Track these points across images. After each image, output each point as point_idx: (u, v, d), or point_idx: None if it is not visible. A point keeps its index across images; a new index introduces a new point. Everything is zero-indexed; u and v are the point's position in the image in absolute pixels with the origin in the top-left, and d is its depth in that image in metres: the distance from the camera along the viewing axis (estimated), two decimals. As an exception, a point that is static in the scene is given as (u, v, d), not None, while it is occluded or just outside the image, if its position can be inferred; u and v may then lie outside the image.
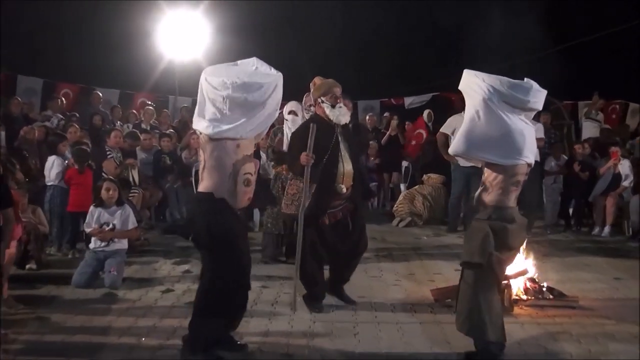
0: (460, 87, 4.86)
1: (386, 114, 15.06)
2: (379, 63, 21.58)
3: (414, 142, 13.61)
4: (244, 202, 4.71)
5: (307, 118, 7.94)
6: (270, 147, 7.76)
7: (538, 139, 10.33)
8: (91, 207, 7.20)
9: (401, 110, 16.74)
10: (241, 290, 4.76)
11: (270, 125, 4.93)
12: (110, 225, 7.07)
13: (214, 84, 4.47)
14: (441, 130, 10.48)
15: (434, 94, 17.02)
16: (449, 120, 10.35)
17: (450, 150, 4.93)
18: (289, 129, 7.64)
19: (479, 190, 4.82)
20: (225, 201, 4.55)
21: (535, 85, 4.67)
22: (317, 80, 6.00)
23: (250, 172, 4.65)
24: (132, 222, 7.21)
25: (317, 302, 5.93)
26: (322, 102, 5.88)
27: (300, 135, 5.87)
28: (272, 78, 4.61)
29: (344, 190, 5.82)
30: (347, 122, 5.96)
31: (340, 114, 5.85)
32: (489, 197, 4.71)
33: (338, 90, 5.89)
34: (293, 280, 5.96)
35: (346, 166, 5.83)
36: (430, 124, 13.58)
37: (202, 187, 4.61)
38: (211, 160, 4.54)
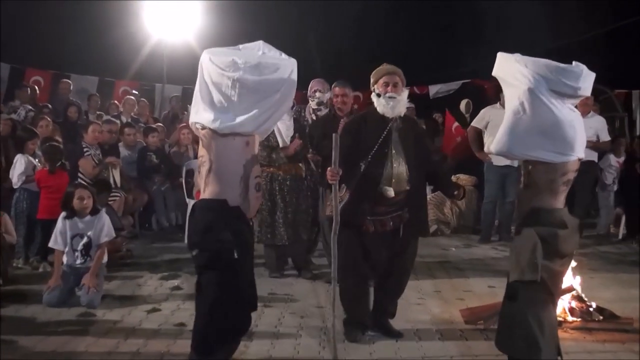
0: (495, 74, 4.83)
1: (407, 105, 15.02)
2: (399, 46, 21.51)
3: (459, 139, 13.33)
4: (255, 210, 4.68)
5: (311, 106, 7.98)
6: (266, 146, 7.64)
7: (605, 142, 10.37)
8: (60, 219, 7.15)
9: (425, 100, 16.70)
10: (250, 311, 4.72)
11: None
12: (85, 239, 7.04)
13: (221, 65, 4.32)
14: (472, 124, 10.47)
15: (463, 81, 16.97)
16: (481, 112, 10.34)
17: (492, 148, 4.84)
18: (281, 120, 7.59)
19: (520, 191, 4.80)
20: (240, 210, 4.47)
21: (585, 68, 4.66)
22: (380, 66, 5.98)
23: (260, 175, 4.62)
24: (106, 234, 7.17)
25: (357, 330, 5.87)
26: (373, 90, 5.87)
27: (343, 135, 5.72)
28: (288, 61, 4.52)
29: (391, 193, 5.71)
30: (400, 114, 5.85)
31: (388, 105, 5.73)
32: (534, 199, 4.68)
33: (391, 76, 5.79)
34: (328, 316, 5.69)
35: (397, 167, 5.72)
36: (468, 115, 13.50)
37: (210, 193, 4.44)
38: (220, 160, 4.41)
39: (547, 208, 4.64)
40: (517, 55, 4.68)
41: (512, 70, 4.64)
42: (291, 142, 7.70)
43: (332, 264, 5.47)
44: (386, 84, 5.76)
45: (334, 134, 5.33)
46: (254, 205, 4.59)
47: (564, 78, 4.57)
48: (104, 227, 7.16)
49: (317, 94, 7.96)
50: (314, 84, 8.05)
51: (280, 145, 7.69)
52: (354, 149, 5.66)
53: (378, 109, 5.77)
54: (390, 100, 5.73)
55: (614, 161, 11.22)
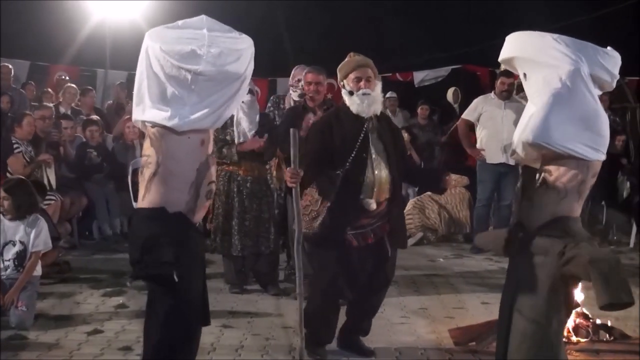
0: (518, 55, 4.87)
1: (389, 95, 15.11)
2: (381, 26, 21.57)
3: None
4: (200, 217, 4.68)
5: (292, 97, 7.95)
6: (220, 140, 7.62)
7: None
8: None
9: (409, 88, 16.77)
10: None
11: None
12: (18, 246, 6.95)
13: (176, 56, 4.28)
14: (463, 115, 10.54)
15: (453, 67, 17.06)
16: (474, 102, 10.41)
17: (529, 137, 4.62)
18: (244, 112, 7.56)
19: (535, 192, 4.83)
20: (183, 215, 4.45)
21: (619, 56, 4.78)
22: (347, 57, 6.00)
23: (214, 179, 4.61)
24: (43, 241, 7.10)
25: (320, 347, 5.94)
26: (343, 86, 5.86)
27: (313, 136, 5.88)
28: (246, 43, 4.52)
29: (374, 206, 5.73)
30: (377, 112, 5.86)
31: (364, 103, 5.72)
32: (559, 206, 4.70)
33: (362, 70, 5.80)
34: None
35: (379, 174, 5.73)
36: (456, 106, 13.61)
37: (150, 201, 4.42)
38: (170, 163, 4.37)
39: (574, 217, 4.68)
40: (555, 36, 4.75)
41: (548, 49, 4.68)
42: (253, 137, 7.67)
43: (297, 278, 5.50)
44: (358, 79, 5.76)
45: (291, 129, 5.37)
46: (201, 214, 4.61)
47: (605, 62, 4.66)
48: (41, 233, 7.05)
49: (301, 83, 7.85)
50: (298, 73, 7.96)
51: (236, 140, 7.68)
52: (328, 154, 5.69)
53: (352, 108, 5.76)
54: (366, 98, 5.73)
55: None
